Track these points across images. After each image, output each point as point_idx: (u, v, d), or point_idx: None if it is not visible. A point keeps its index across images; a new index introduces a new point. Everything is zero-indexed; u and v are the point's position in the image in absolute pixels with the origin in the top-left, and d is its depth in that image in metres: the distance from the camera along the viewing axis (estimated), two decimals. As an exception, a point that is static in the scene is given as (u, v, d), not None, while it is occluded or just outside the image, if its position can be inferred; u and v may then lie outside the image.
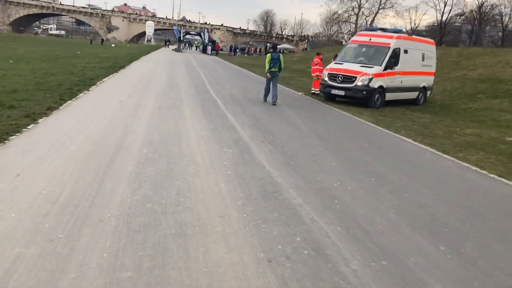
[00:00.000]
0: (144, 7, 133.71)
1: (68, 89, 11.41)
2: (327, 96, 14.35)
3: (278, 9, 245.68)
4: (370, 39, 14.06)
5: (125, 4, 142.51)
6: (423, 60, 15.27)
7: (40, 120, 7.47)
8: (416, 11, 66.98)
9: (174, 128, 7.86)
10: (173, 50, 57.85)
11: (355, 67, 13.47)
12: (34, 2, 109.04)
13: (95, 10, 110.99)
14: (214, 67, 29.41)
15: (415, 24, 64.42)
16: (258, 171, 5.57)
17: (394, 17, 71.53)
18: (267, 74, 12.74)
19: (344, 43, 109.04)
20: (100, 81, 14.17)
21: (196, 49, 73.94)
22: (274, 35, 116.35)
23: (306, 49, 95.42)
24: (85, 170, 5.00)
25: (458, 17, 68.83)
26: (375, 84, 13.14)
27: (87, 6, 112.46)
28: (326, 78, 13.83)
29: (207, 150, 6.47)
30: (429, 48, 15.77)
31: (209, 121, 8.86)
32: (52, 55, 27.97)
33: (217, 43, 68.75)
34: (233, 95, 13.90)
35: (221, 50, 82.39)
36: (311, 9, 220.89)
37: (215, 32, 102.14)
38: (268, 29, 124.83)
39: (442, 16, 66.34)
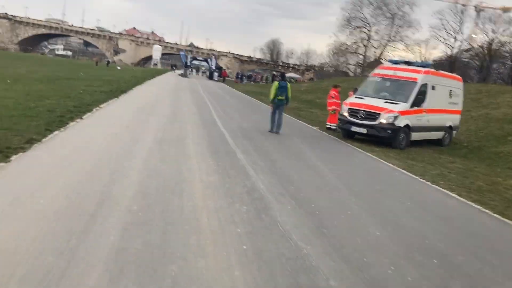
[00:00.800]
0: (152, 32, 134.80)
1: (59, 116, 10.12)
2: (346, 133, 13.04)
3: (285, 39, 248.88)
4: (395, 73, 12.84)
5: (134, 28, 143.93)
6: (450, 97, 14.03)
7: (13, 158, 6.11)
8: (426, 45, 65.88)
9: (175, 171, 6.50)
10: (179, 75, 57.16)
11: (379, 103, 12.20)
12: (42, 23, 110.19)
13: (103, 32, 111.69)
14: (221, 94, 28.31)
15: (425, 58, 63.73)
16: (283, 245, 4.16)
17: (403, 50, 70.84)
18: (270, 104, 12.63)
19: (350, 74, 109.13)
20: (97, 108, 12.91)
21: (202, 75, 73.48)
22: (280, 63, 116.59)
23: (312, 79, 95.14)
24: (49, 242, 3.60)
25: (465, 52, 68.29)
26: (400, 122, 11.83)
27: (95, 28, 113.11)
28: (346, 114, 12.54)
29: (214, 207, 5.07)
30: (457, 84, 14.55)
31: (217, 161, 7.51)
32: (53, 76, 27.04)
33: (224, 70, 68.26)
34: (242, 127, 12.61)
35: (227, 77, 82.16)
36: (318, 39, 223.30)
37: (222, 59, 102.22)
38: (274, 58, 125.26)
39: (452, 51, 65.91)
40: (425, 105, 12.49)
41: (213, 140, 9.64)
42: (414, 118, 12.32)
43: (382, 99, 12.47)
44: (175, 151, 7.97)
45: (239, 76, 65.21)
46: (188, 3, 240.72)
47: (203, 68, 79.59)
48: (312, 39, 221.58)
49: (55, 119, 9.77)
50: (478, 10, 75.72)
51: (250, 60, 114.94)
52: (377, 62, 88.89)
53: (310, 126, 15.74)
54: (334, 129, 14.50)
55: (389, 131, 11.75)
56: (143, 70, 66.65)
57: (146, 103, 16.21)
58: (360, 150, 11.24)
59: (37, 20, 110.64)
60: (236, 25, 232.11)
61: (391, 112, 11.73)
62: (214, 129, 11.48)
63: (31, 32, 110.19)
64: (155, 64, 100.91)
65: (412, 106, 12.12)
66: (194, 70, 74.52)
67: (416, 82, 12.37)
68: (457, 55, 64.74)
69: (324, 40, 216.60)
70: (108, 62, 66.84)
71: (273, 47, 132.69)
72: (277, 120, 12.19)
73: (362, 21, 71.61)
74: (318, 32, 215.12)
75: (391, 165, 9.53)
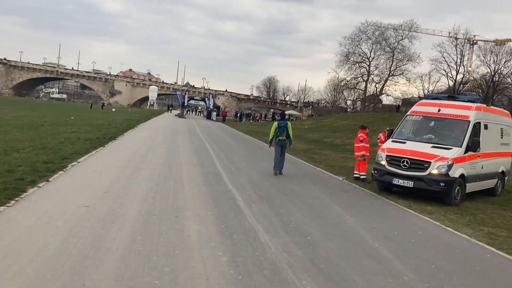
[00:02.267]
0: (149, 73, 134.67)
1: (18, 179, 7.65)
2: (383, 186, 10.52)
3: (281, 76, 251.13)
4: (439, 110, 10.45)
5: (131, 70, 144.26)
6: (501, 137, 11.65)
7: None
8: (429, 78, 64.45)
9: (167, 281, 3.93)
10: (175, 115, 55.16)
11: (425, 148, 9.75)
12: (38, 67, 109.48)
13: (99, 74, 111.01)
14: (221, 136, 25.94)
15: (428, 91, 62.16)
16: None
17: (404, 84, 69.47)
18: (270, 145, 12.36)
19: (348, 110, 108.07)
20: (74, 162, 10.44)
21: (199, 115, 71.64)
22: (278, 101, 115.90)
23: (312, 115, 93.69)
24: None
25: (464, 84, 66.94)
26: (455, 172, 9.35)
27: (91, 71, 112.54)
28: (384, 162, 10.05)
29: None
30: (507, 121, 12.21)
31: (231, 250, 4.96)
32: (39, 121, 24.81)
33: (223, 109, 66.44)
34: (254, 182, 10.11)
35: (226, 116, 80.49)
36: (312, 76, 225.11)
37: (219, 98, 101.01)
38: (271, 95, 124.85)
39: (454, 84, 64.52)
40: (479, 148, 10.05)
41: (222, 209, 7.09)
42: (468, 166, 9.86)
43: (428, 143, 10.03)
44: (168, 235, 5.42)
45: (238, 115, 63.28)
46: (184, 45, 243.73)
47: (200, 108, 77.98)
48: (307, 76, 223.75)
49: (11, 183, 7.29)
50: (472, 43, 75.43)
51: (247, 98, 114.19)
52: (374, 96, 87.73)
53: (332, 174, 13.19)
54: (363, 180, 12.00)
55: (442, 184, 9.23)
56: (139, 111, 64.79)
57: (136, 152, 13.73)
58: (410, 210, 8.68)
59: (32, 64, 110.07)
60: (232, 65, 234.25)
61: (444, 159, 9.26)
62: (220, 188, 8.94)
63: (26, 76, 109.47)
64: (152, 105, 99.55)
65: (466, 150, 9.68)
66: (191, 110, 72.76)
67: (467, 120, 9.99)
68: (459, 87, 63.21)
69: (319, 77, 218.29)
70: (103, 104, 65.01)
71: (270, 85, 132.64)
72: (279, 161, 11.88)
73: (361, 56, 70.49)
74: (312, 69, 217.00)
75: (465, 236, 6.95)
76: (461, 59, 64.06)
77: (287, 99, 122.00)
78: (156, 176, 9.64)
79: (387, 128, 12.80)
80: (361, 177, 12.11)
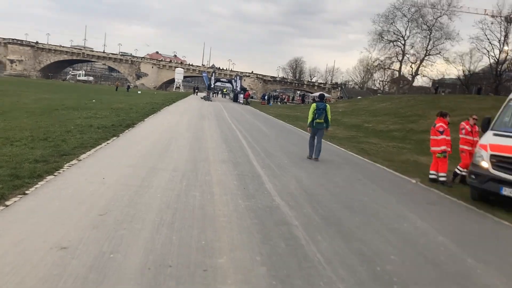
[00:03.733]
0: (175, 55, 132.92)
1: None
2: (479, 194, 7.78)
3: (306, 57, 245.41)
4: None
5: (157, 52, 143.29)
6: None
7: None
8: (471, 57, 59.76)
9: None
10: (201, 98, 52.89)
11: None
12: (64, 49, 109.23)
13: (125, 56, 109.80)
14: (252, 122, 23.38)
15: (469, 71, 57.74)
16: None
17: (441, 64, 64.98)
18: (308, 128, 11.69)
19: (379, 92, 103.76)
20: (74, 161, 8.15)
21: (225, 97, 69.26)
22: (305, 82, 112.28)
23: (341, 97, 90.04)
24: None
25: (501, 65, 61.98)
26: None
27: (117, 53, 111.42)
28: (487, 165, 7.31)
29: None
30: None
31: None
32: (56, 104, 22.92)
33: (247, 90, 63.67)
34: (306, 188, 7.57)
35: (252, 98, 77.75)
36: (338, 57, 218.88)
37: (244, 79, 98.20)
38: (297, 77, 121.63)
39: (497, 64, 59.81)
40: None
41: (273, 248, 4.59)
42: None
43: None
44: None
45: (266, 97, 60.47)
46: (210, 27, 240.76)
47: (225, 90, 75.56)
48: (333, 57, 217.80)
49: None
50: (510, 20, 69.74)
51: (273, 80, 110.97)
52: (403, 77, 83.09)
53: (399, 174, 10.47)
54: (443, 182, 9.27)
55: None
56: (164, 94, 62.84)
57: (155, 144, 11.35)
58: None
59: (59, 46, 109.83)
60: (257, 46, 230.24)
61: None
62: (264, 203, 6.44)
63: (53, 58, 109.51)
64: (178, 87, 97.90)
65: None
66: (217, 93, 70.43)
67: None
68: (500, 67, 58.40)
69: (345, 58, 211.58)
70: (129, 86, 63.25)
71: (296, 66, 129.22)
72: (316, 146, 11.31)
73: (396, 34, 66.24)
74: (339, 50, 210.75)
75: None
76: (505, 37, 59.09)
77: (313, 80, 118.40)
78: (177, 181, 7.20)
79: (473, 116, 9.92)
80: (440, 179, 9.37)
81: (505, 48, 61.59)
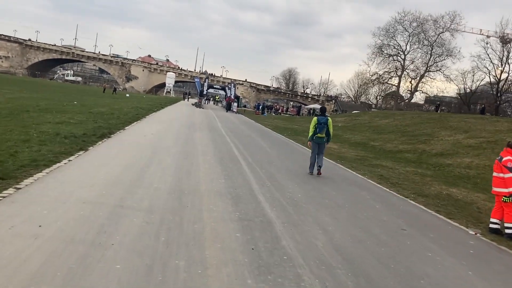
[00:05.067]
0: (167, 59, 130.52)
1: None
2: None
3: (300, 69, 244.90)
4: None
5: (150, 56, 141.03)
6: None
7: None
8: (473, 75, 58.06)
9: None
10: (192, 104, 50.36)
11: None
12: (54, 48, 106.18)
13: (115, 58, 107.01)
14: (249, 135, 20.93)
15: (470, 90, 56.12)
16: None
17: (441, 81, 63.45)
18: (309, 142, 11.14)
19: (373, 106, 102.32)
20: (10, 190, 5.70)
21: (217, 104, 66.81)
22: (299, 93, 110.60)
23: (335, 110, 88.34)
24: None
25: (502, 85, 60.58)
26: None
27: (107, 54, 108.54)
28: None
29: None
30: None
31: None
32: (30, 105, 20.41)
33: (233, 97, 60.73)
34: (340, 245, 5.18)
35: (245, 106, 75.46)
36: (333, 70, 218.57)
37: (237, 88, 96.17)
38: (290, 87, 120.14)
39: (498, 83, 58.46)
40: None
41: None
42: None
43: None
44: None
45: (260, 106, 58.13)
46: (204, 33, 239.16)
47: (217, 97, 73.19)
48: (326, 70, 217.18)
49: None
50: (505, 41, 68.79)
51: (267, 89, 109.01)
52: (396, 93, 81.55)
53: (447, 219, 8.07)
54: (509, 236, 6.92)
55: None
56: (153, 98, 60.22)
57: (130, 163, 8.86)
58: None
59: (48, 44, 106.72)
60: (251, 55, 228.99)
61: None
62: (284, 273, 4.06)
63: (41, 56, 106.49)
64: (168, 92, 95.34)
65: None
66: (209, 100, 67.99)
67: None
68: (506, 88, 57.04)
69: (339, 71, 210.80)
70: (115, 89, 60.41)
71: (289, 77, 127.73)
72: (317, 161, 10.80)
73: (396, 48, 64.60)
74: (332, 63, 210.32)
75: None
76: (507, 57, 57.77)
77: (307, 91, 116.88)
78: (151, 235, 4.74)
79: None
80: (507, 231, 7.01)
81: (506, 68, 60.36)
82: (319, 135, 10.80)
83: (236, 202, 6.75)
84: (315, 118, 11.03)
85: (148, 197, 6.31)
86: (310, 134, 10.98)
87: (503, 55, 54.69)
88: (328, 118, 10.98)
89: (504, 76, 55.92)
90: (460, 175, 15.53)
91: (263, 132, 24.42)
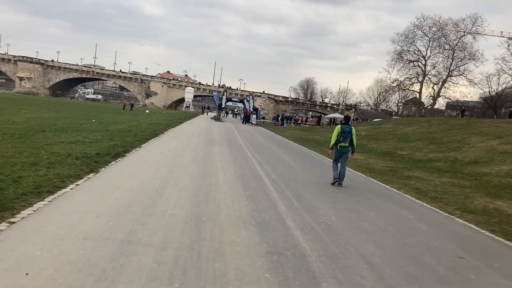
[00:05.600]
0: (186, 75, 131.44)
1: None
2: None
3: (317, 78, 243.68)
4: None
5: (168, 72, 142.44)
6: None
7: None
8: (498, 78, 56.05)
9: None
10: (211, 118, 49.88)
11: None
12: (74, 67, 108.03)
13: (135, 75, 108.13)
14: (270, 148, 20.04)
15: (496, 93, 54.12)
16: None
17: (463, 86, 61.50)
18: (330, 150, 11.01)
19: (394, 114, 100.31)
20: (5, 224, 4.91)
21: (236, 117, 66.27)
22: (317, 103, 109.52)
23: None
24: None
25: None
26: None
27: (127, 72, 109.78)
28: None
29: None
30: None
31: None
32: (47, 124, 20.08)
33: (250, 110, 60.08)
34: None
35: (263, 118, 74.85)
36: (350, 78, 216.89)
37: (256, 100, 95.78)
38: (308, 97, 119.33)
39: (524, 85, 56.23)
40: None
41: None
42: None
43: None
44: None
45: (280, 118, 57.27)
46: (220, 47, 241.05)
47: (237, 110, 72.74)
48: (342, 78, 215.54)
49: None
50: None
51: (285, 100, 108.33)
52: (416, 99, 79.37)
53: (498, 238, 7.00)
54: None
55: None
56: (173, 113, 60.04)
57: (144, 185, 8.06)
58: None
59: (69, 64, 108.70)
60: (268, 67, 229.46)
61: None
62: None
63: (62, 76, 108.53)
64: (188, 107, 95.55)
65: None
66: (227, 113, 67.53)
67: None
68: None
69: (356, 79, 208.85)
70: (132, 105, 60.48)
71: (307, 87, 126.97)
72: (340, 171, 10.52)
73: (416, 54, 63.04)
74: (349, 72, 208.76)
75: None
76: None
77: (325, 101, 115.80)
78: (162, 282, 3.87)
79: None
80: None
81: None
82: (342, 144, 10.59)
83: (262, 230, 5.84)
84: (338, 127, 10.82)
85: (161, 228, 5.47)
86: (332, 142, 10.78)
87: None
88: (352, 127, 10.76)
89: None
90: (501, 184, 14.26)
91: (284, 144, 23.49)
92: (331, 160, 14.91)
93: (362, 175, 13.10)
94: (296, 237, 5.68)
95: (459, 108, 77.98)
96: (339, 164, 10.74)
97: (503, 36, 60.64)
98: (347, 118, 11.59)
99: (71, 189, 7.20)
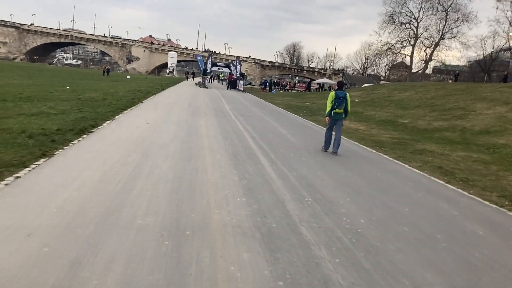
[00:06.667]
0: (168, 39, 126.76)
1: None
2: None
3: (304, 43, 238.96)
4: None
5: (151, 36, 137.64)
6: None
7: None
8: (493, 41, 54.17)
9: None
10: (196, 84, 47.42)
11: None
12: (52, 31, 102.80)
13: (115, 39, 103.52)
14: (262, 118, 18.09)
15: (491, 56, 52.45)
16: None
17: (457, 49, 59.58)
18: (327, 117, 10.50)
19: (382, 78, 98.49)
20: None
21: (222, 83, 63.76)
22: (305, 68, 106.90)
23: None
24: None
25: (504, 52, 56.87)
26: None
27: (107, 36, 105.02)
28: None
29: None
30: None
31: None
32: (13, 92, 17.88)
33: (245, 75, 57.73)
34: None
35: (250, 84, 72.34)
36: (336, 42, 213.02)
37: (241, 64, 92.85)
38: (294, 62, 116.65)
39: (519, 47, 54.62)
40: None
41: None
42: None
43: None
44: None
45: (267, 83, 54.98)
46: (205, 11, 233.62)
47: (222, 75, 70.16)
48: (328, 43, 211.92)
49: None
50: None
51: (272, 65, 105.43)
52: (402, 63, 77.68)
53: None
54: None
55: None
56: (155, 79, 57.24)
57: (107, 176, 6.13)
58: None
59: (46, 28, 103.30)
60: (253, 31, 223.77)
61: None
62: None
63: (40, 41, 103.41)
64: (171, 72, 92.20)
65: None
66: (212, 78, 64.90)
67: None
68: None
69: (342, 43, 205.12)
70: (108, 70, 57.09)
71: (293, 51, 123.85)
72: (335, 138, 10.16)
73: (408, 16, 60.63)
74: (335, 36, 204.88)
75: None
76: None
77: (312, 65, 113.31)
78: None
79: None
80: None
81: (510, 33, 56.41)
82: (337, 110, 10.19)
83: (272, 249, 4.04)
84: (332, 93, 10.34)
85: (123, 254, 3.62)
86: (328, 109, 10.36)
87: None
88: (346, 93, 10.29)
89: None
90: (527, 158, 12.70)
91: (276, 113, 21.55)
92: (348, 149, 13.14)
93: (372, 151, 11.36)
94: (319, 259, 3.90)
95: (448, 72, 76.39)
96: (333, 132, 10.36)
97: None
98: (341, 84, 10.86)
99: (6, 185, 5.26)
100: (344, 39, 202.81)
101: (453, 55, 58.33)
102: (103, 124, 11.05)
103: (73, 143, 8.27)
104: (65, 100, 16.53)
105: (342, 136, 10.71)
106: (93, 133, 9.71)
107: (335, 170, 8.26)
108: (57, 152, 7.35)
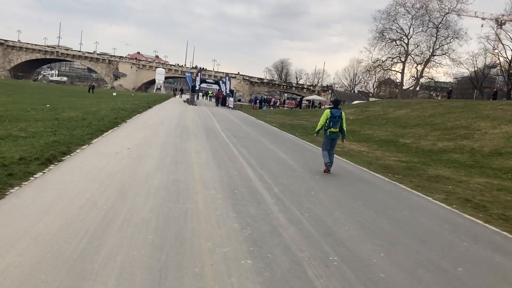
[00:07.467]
0: (156, 56, 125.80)
1: None
2: None
3: (293, 59, 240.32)
4: None
5: (139, 53, 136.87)
6: None
7: None
8: (485, 58, 53.99)
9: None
10: (184, 101, 46.04)
11: None
12: (37, 47, 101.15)
13: (102, 56, 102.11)
14: (257, 139, 16.67)
15: (482, 73, 52.14)
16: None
17: (448, 66, 59.43)
18: (316, 134, 10.42)
19: (370, 95, 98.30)
20: None
21: (211, 100, 62.52)
22: (294, 84, 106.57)
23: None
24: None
25: (489, 69, 57.01)
26: None
27: (93, 52, 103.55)
28: None
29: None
30: None
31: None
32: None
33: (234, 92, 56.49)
34: None
35: (239, 100, 71.25)
36: (323, 60, 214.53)
37: (231, 81, 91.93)
38: (283, 78, 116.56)
39: (509, 65, 54.62)
40: None
41: None
42: None
43: None
44: None
45: (258, 100, 53.81)
46: (192, 28, 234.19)
47: (211, 92, 68.99)
48: (316, 60, 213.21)
49: None
50: (500, 23, 65.15)
51: (261, 81, 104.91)
52: (390, 80, 77.55)
53: None
54: None
55: None
56: (142, 96, 55.74)
57: (74, 223, 4.64)
58: None
59: (31, 44, 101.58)
60: (241, 48, 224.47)
61: None
62: None
63: (24, 57, 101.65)
64: (159, 89, 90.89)
65: None
66: (201, 95, 63.62)
67: None
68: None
69: (330, 60, 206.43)
70: (93, 87, 55.50)
71: (282, 68, 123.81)
72: (329, 157, 9.91)
73: (398, 32, 60.39)
74: (322, 53, 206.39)
75: None
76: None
77: (301, 82, 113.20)
78: None
79: None
80: None
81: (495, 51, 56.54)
82: (332, 129, 9.86)
83: None
84: (327, 111, 10.00)
85: None
86: (319, 127, 10.12)
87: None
88: (342, 111, 9.93)
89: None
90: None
91: (271, 133, 20.17)
92: (340, 158, 11.87)
93: (385, 179, 10.02)
94: None
95: (435, 89, 76.12)
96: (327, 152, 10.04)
97: (477, 17, 58.71)
98: (336, 102, 10.62)
99: None
100: (331, 56, 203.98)
101: (444, 71, 58.24)
102: (77, 150, 9.55)
103: (35, 177, 6.77)
104: (39, 121, 15.02)
105: (347, 160, 9.57)
106: (63, 162, 8.20)
107: (354, 208, 6.85)
108: (10, 190, 5.85)
